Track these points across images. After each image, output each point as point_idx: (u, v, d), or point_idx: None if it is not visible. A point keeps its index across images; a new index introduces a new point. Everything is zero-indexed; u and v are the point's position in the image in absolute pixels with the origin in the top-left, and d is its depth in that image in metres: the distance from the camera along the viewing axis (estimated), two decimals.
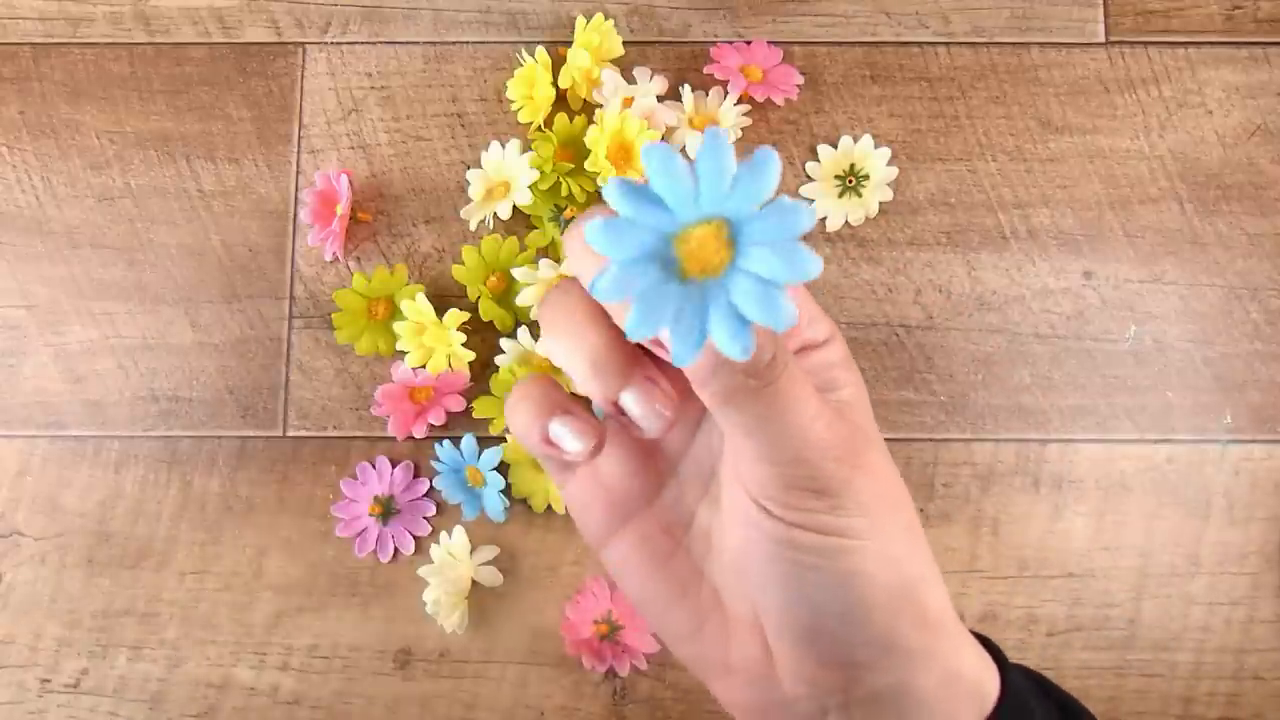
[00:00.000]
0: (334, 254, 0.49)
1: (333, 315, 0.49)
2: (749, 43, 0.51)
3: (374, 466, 0.48)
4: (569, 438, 0.25)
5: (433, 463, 0.48)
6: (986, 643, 0.27)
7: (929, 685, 0.25)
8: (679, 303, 0.19)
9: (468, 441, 0.47)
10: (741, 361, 0.19)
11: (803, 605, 0.24)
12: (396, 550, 0.48)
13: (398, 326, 0.48)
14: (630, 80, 0.50)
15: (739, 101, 0.50)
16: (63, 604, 0.48)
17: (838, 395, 0.25)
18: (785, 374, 0.22)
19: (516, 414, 0.25)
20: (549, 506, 0.48)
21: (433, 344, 0.48)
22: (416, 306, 0.47)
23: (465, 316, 0.47)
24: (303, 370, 0.50)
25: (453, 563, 0.47)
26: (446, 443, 0.47)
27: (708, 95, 0.51)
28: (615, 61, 0.51)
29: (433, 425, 0.48)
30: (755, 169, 0.19)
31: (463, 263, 0.49)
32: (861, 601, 0.24)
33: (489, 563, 0.48)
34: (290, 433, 0.49)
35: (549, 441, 0.25)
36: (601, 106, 0.49)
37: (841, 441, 0.23)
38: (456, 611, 0.46)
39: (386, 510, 0.48)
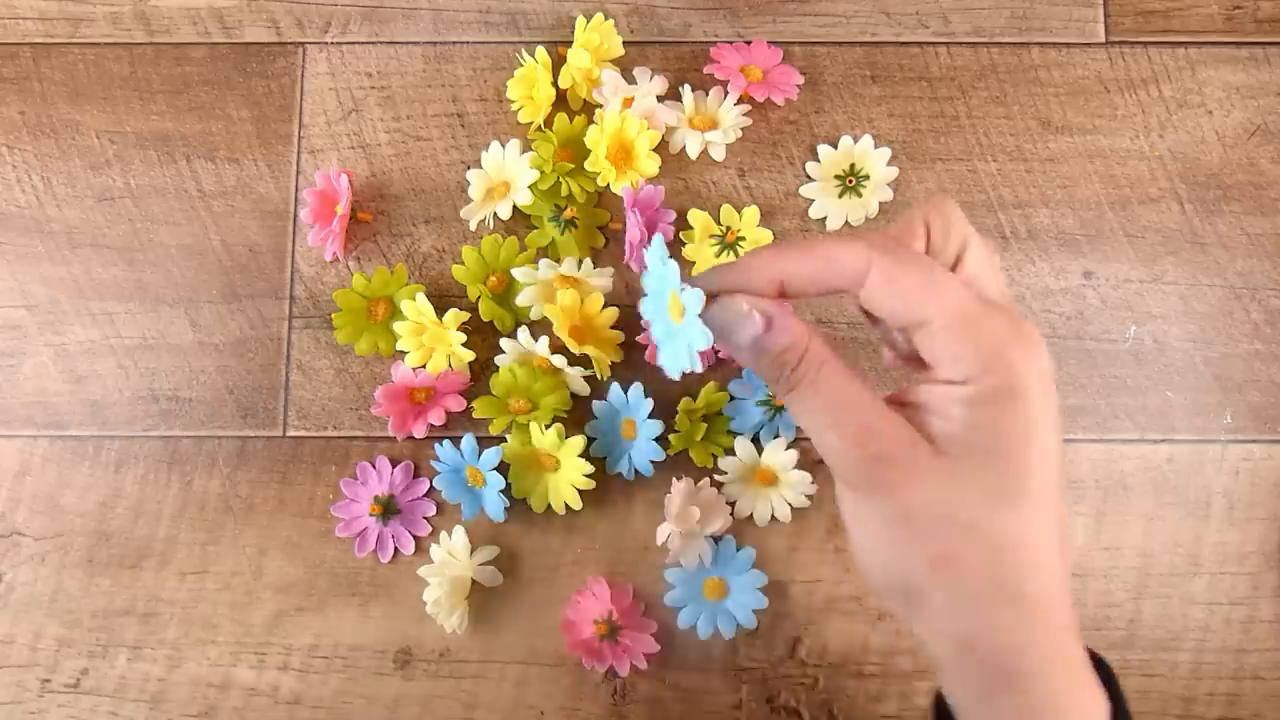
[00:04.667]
0: (334, 254, 0.49)
1: (333, 315, 0.49)
2: (749, 43, 0.51)
3: (374, 466, 0.48)
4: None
5: (432, 463, 0.48)
6: (1100, 665, 0.30)
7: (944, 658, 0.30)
8: (665, 334, 0.31)
9: (468, 441, 0.47)
10: (764, 364, 0.29)
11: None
12: (396, 550, 0.48)
13: (398, 326, 0.48)
14: (630, 80, 0.50)
15: (739, 101, 0.50)
16: (63, 604, 0.48)
17: (937, 420, 0.29)
18: (801, 386, 0.29)
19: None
20: (548, 506, 0.48)
21: (433, 344, 0.48)
22: (416, 306, 0.47)
23: (465, 316, 0.47)
24: (303, 370, 0.50)
25: (453, 563, 0.47)
26: (447, 443, 0.47)
27: (708, 95, 0.51)
28: (615, 61, 0.51)
29: (433, 425, 0.48)
30: (658, 263, 0.30)
31: (463, 263, 0.49)
32: (868, 573, 0.30)
33: (489, 563, 0.48)
34: (290, 433, 0.49)
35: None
36: (601, 106, 0.49)
37: (856, 460, 0.28)
38: (456, 612, 0.46)
39: (386, 510, 0.48)
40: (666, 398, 0.47)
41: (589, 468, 0.46)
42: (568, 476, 0.46)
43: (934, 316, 0.28)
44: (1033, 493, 0.28)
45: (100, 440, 0.49)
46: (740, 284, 0.29)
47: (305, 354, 0.50)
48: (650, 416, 0.46)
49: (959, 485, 0.28)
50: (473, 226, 0.50)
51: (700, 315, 0.28)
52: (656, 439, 0.46)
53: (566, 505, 0.47)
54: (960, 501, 0.28)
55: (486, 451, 0.47)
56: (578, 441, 0.46)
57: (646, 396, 0.46)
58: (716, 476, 0.47)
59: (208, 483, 0.49)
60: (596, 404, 0.48)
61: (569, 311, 0.46)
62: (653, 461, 0.46)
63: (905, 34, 0.52)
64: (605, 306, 0.49)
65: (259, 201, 0.51)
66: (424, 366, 0.48)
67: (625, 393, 0.47)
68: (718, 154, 0.50)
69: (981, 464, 0.28)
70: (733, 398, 0.48)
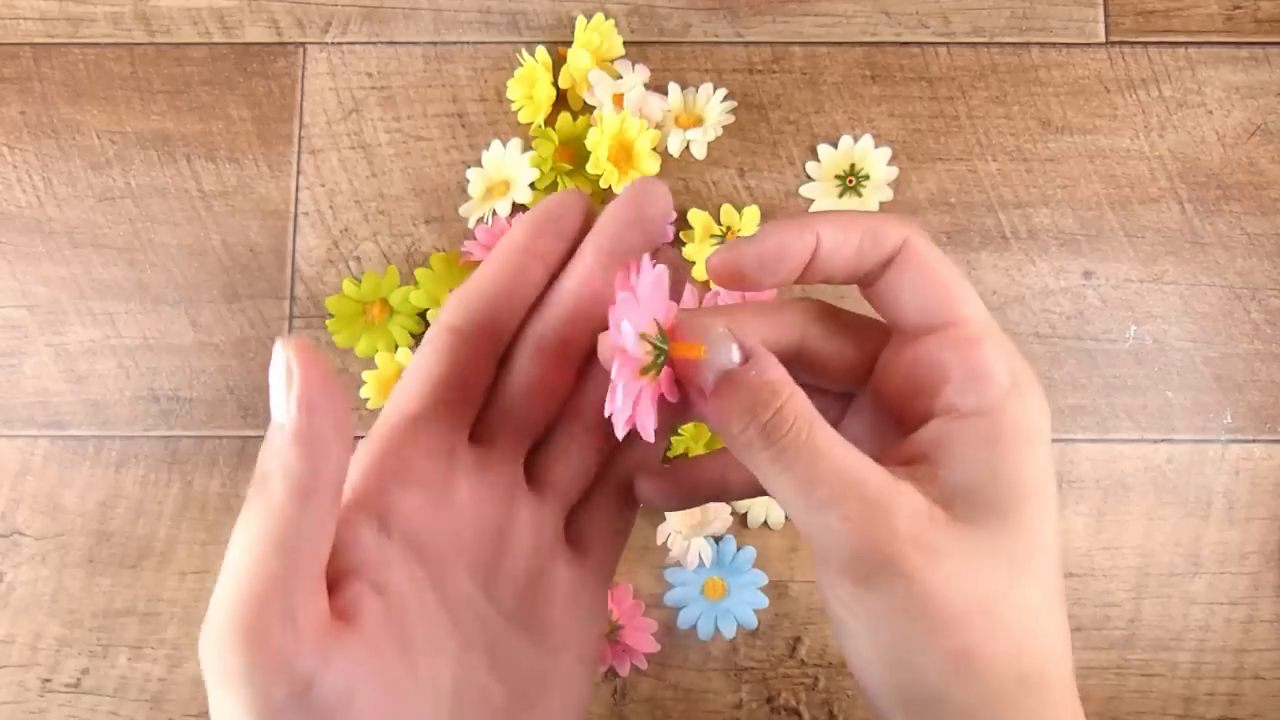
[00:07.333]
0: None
1: (327, 322, 0.49)
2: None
3: None
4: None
5: None
6: None
7: None
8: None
9: None
10: (737, 405, 0.22)
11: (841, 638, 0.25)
12: None
13: (366, 375, 0.48)
14: (615, 76, 0.50)
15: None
16: (63, 604, 0.48)
17: (947, 475, 0.23)
18: (786, 448, 0.22)
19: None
20: None
21: None
22: (390, 357, 0.47)
23: None
24: None
25: None
26: None
27: (697, 91, 0.50)
28: (615, 62, 0.51)
29: None
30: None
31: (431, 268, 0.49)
32: (872, 685, 0.24)
33: None
34: None
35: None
36: (595, 109, 0.49)
37: (862, 544, 0.22)
38: None
39: None
40: None
41: None
42: None
43: (966, 319, 0.24)
44: (1046, 552, 0.23)
45: (101, 440, 0.49)
46: (775, 243, 0.24)
47: None
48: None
49: (980, 558, 0.22)
50: (471, 224, 0.50)
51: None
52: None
53: None
54: (981, 578, 0.22)
55: None
56: None
57: None
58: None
59: (208, 482, 0.49)
60: None
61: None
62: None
63: (905, 34, 0.52)
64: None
65: (259, 201, 0.51)
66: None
67: None
68: (699, 151, 0.49)
69: (1000, 525, 0.22)
70: None
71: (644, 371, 0.22)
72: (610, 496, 0.27)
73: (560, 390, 0.25)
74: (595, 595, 0.27)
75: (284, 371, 0.20)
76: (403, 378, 0.24)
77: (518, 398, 0.25)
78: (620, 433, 0.22)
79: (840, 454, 0.22)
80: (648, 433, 0.23)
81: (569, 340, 0.24)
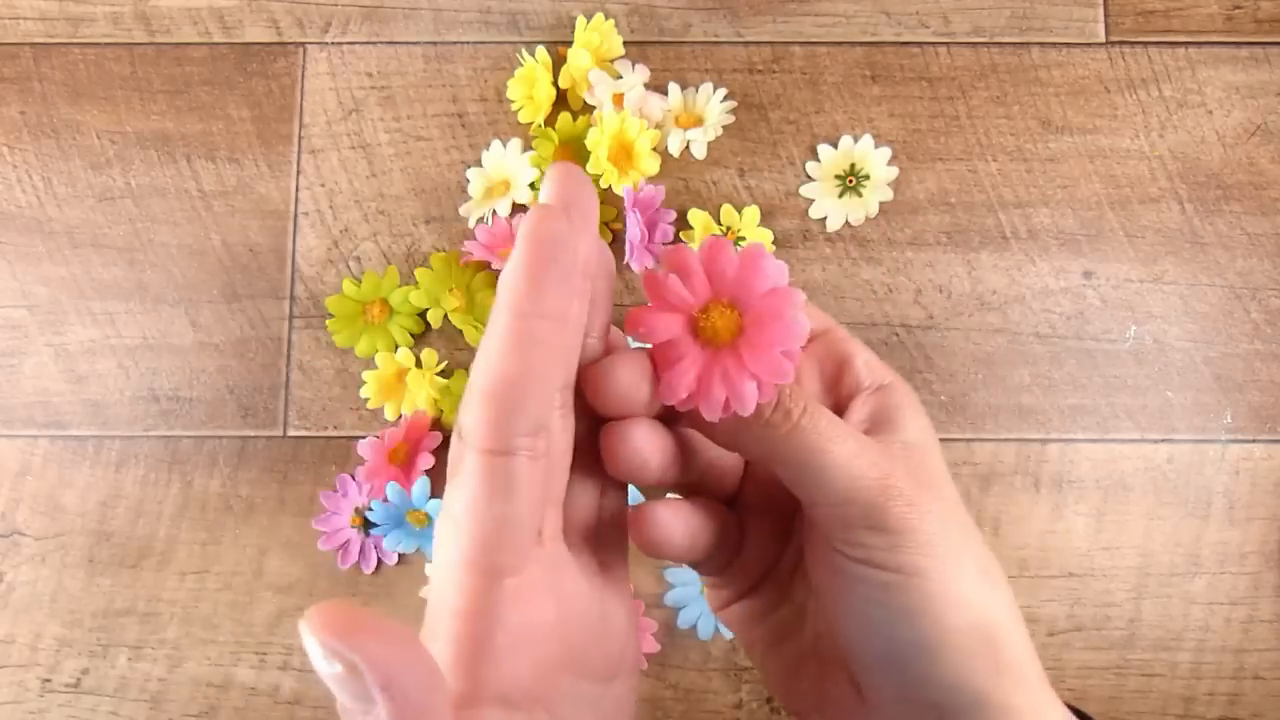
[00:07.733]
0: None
1: (328, 322, 0.49)
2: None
3: (353, 477, 0.48)
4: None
5: (372, 532, 0.47)
6: (1081, 716, 0.27)
7: None
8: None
9: (393, 490, 0.46)
10: (749, 412, 0.23)
11: (875, 637, 0.24)
12: (380, 561, 0.48)
13: (366, 375, 0.48)
14: (616, 76, 0.50)
15: None
16: (63, 604, 0.48)
17: (900, 437, 0.25)
18: (807, 417, 0.23)
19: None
20: None
21: (416, 389, 0.48)
22: (390, 357, 0.47)
23: (440, 360, 0.48)
24: (303, 370, 0.50)
25: None
26: (375, 504, 0.46)
27: (697, 91, 0.51)
28: (615, 62, 0.51)
29: (427, 471, 0.47)
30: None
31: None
32: (929, 640, 0.24)
33: None
34: (291, 433, 0.49)
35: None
36: (595, 109, 0.49)
37: (890, 480, 0.24)
38: None
39: (368, 521, 0.48)
40: None
41: None
42: None
43: (834, 327, 0.28)
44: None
45: (101, 440, 0.49)
46: None
47: (305, 354, 0.50)
48: None
49: (937, 490, 0.25)
50: (471, 224, 0.50)
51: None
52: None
53: None
54: (950, 503, 0.25)
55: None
56: None
57: None
58: None
59: (208, 483, 0.49)
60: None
61: None
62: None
63: (905, 34, 0.52)
64: None
65: (259, 201, 0.51)
66: (398, 418, 0.48)
67: None
68: (699, 151, 0.50)
69: (927, 464, 0.25)
70: None
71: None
72: (608, 507, 0.26)
73: (573, 434, 0.24)
74: (632, 605, 0.27)
75: (337, 664, 0.17)
76: (457, 522, 0.21)
77: (555, 474, 0.23)
78: (744, 408, 0.23)
79: (841, 421, 0.24)
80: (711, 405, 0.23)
81: (568, 384, 0.23)
